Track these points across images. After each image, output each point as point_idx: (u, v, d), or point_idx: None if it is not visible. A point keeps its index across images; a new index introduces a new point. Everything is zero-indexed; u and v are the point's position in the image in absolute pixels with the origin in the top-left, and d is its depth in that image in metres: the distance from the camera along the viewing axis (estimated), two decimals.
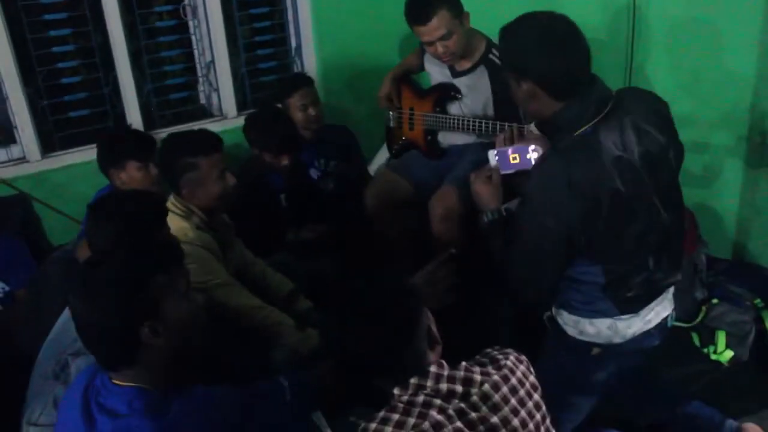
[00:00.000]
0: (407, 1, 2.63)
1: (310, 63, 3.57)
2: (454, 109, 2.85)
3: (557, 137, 1.75)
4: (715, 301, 2.73)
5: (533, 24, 1.74)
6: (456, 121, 2.76)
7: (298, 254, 2.84)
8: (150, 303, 1.40)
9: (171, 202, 2.27)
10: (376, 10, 3.62)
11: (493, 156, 1.98)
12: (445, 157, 2.94)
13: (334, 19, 3.53)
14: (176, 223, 2.18)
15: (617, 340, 1.91)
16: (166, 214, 1.94)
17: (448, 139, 2.94)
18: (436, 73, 2.86)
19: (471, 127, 2.71)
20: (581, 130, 1.70)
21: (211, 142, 2.27)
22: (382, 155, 3.79)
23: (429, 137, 2.94)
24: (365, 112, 3.78)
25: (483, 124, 2.66)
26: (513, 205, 2.54)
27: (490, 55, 2.70)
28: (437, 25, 2.54)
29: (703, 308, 2.74)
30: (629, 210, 1.73)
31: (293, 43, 3.57)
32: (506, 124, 2.48)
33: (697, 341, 2.71)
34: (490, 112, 2.73)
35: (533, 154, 1.90)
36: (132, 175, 2.68)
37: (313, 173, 3.29)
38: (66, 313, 1.90)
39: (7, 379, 2.03)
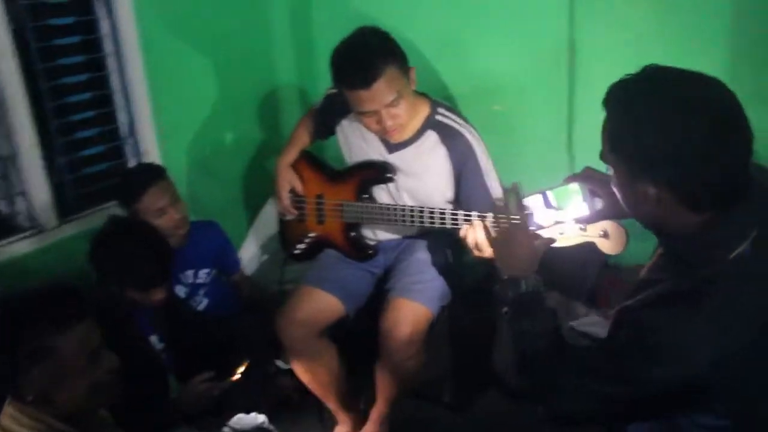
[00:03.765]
0: (337, 57, 1.96)
1: (149, 143, 2.70)
2: (383, 194, 2.18)
3: (699, 260, 1.17)
4: None
5: (673, 95, 1.13)
6: (394, 212, 2.08)
7: (198, 424, 1.98)
8: None
9: (8, 415, 1.37)
10: (225, 66, 2.90)
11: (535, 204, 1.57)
12: (377, 255, 2.26)
13: (175, 84, 2.72)
14: None
15: None
16: None
17: (378, 233, 2.26)
18: (359, 148, 2.17)
19: (415, 218, 2.04)
20: (737, 251, 1.14)
21: (70, 305, 1.42)
22: (249, 247, 3.04)
23: (352, 233, 2.24)
24: (223, 197, 3.03)
25: (430, 215, 2.01)
26: (587, 324, 1.95)
27: (437, 116, 2.08)
28: (385, 87, 1.87)
29: None
30: None
31: (124, 119, 2.68)
32: (469, 214, 1.90)
33: None
34: (449, 191, 2.11)
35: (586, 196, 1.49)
36: None
37: (180, 290, 2.44)
38: None
39: None
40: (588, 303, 2.42)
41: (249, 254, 3.05)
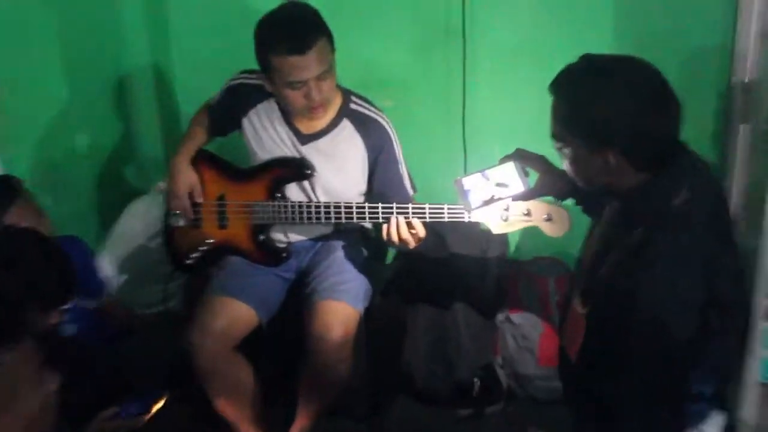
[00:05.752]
0: (268, 25, 1.84)
1: None
2: (294, 191, 2.02)
3: (647, 210, 1.36)
4: None
5: (618, 78, 1.31)
6: (316, 210, 1.93)
7: None
8: None
9: None
10: (72, 59, 2.52)
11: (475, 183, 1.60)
12: (289, 259, 2.09)
13: (14, 80, 2.30)
14: None
15: None
16: None
17: (290, 235, 2.09)
18: (269, 139, 2.00)
19: (341, 215, 1.91)
20: (678, 198, 1.33)
21: (13, 321, 1.36)
22: (105, 266, 2.68)
23: (260, 236, 2.04)
24: (71, 210, 2.63)
25: (359, 211, 1.88)
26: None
27: (351, 105, 2.00)
28: (318, 57, 1.79)
29: None
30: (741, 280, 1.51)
31: None
32: (405, 206, 1.84)
33: None
34: (363, 183, 2.03)
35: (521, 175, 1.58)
36: None
37: None
38: None
39: None
40: (498, 302, 2.42)
41: (105, 274, 2.69)
